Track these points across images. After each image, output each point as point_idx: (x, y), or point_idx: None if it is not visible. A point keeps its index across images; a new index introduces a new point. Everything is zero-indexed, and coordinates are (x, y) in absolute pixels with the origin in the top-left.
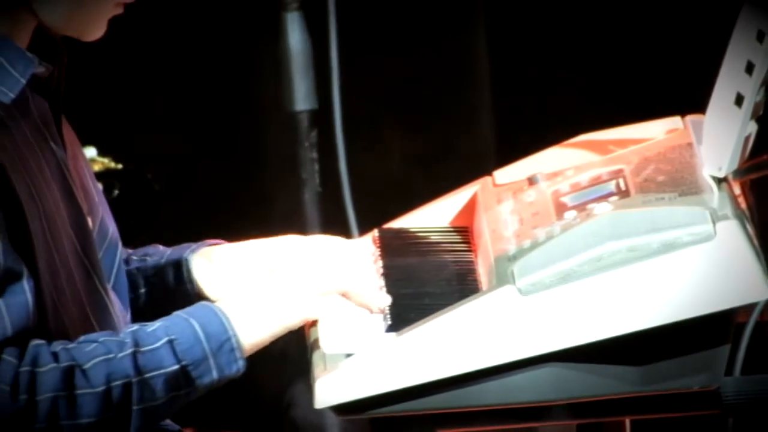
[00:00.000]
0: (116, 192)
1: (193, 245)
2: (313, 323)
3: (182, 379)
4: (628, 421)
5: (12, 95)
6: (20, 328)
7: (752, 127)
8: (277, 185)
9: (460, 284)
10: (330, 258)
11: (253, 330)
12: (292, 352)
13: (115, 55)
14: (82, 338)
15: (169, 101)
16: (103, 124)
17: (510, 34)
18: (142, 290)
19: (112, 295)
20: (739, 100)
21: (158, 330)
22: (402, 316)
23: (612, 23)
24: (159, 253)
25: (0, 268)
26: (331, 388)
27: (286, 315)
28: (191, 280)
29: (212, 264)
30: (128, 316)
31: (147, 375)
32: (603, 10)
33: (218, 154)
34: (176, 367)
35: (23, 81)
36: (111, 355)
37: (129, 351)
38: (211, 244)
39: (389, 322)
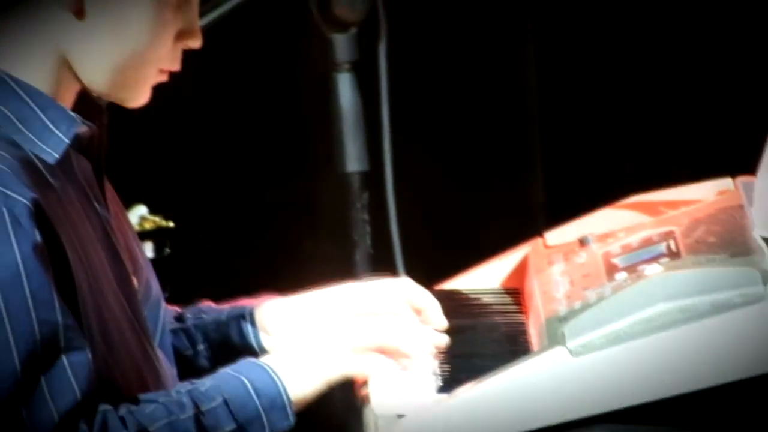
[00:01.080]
0: (167, 250)
1: (253, 300)
2: (364, 382)
3: None
4: None
5: (56, 155)
6: (87, 390)
7: None
8: (329, 247)
9: (512, 346)
10: (379, 308)
11: (301, 385)
12: (340, 411)
13: (169, 113)
14: (142, 398)
15: (221, 160)
16: (154, 182)
17: (561, 94)
18: (201, 346)
19: (159, 353)
20: None
21: (212, 389)
22: (453, 377)
23: (664, 83)
24: (216, 309)
25: (60, 328)
26: None
27: (328, 369)
28: (256, 335)
29: (276, 317)
30: (175, 372)
31: None
32: (655, 70)
33: (269, 215)
34: (233, 426)
35: (67, 141)
36: (173, 417)
37: (190, 413)
38: (270, 298)
39: (440, 383)
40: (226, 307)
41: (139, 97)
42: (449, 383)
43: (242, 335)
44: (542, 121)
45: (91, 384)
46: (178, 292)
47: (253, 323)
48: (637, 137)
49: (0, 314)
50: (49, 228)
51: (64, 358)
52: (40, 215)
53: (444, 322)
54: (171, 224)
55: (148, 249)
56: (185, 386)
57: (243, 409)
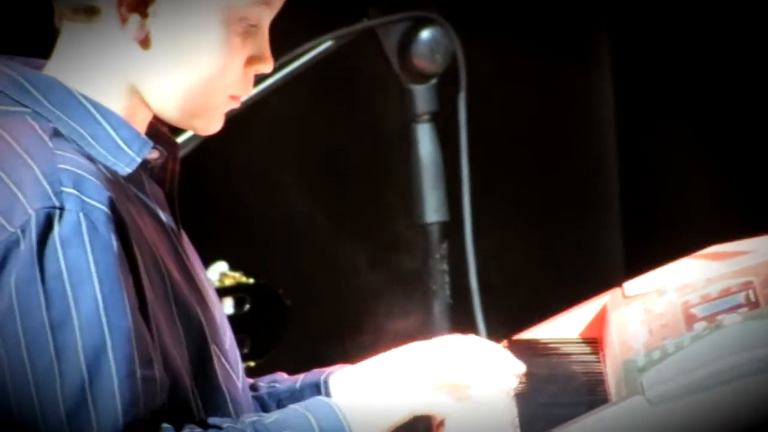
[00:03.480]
0: (247, 306)
1: (327, 369)
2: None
3: None
4: None
5: (129, 170)
6: (151, 405)
7: None
8: (409, 300)
9: (590, 395)
10: (458, 353)
11: (367, 424)
12: None
13: (249, 167)
14: (207, 421)
15: (301, 214)
16: (234, 238)
17: (641, 144)
18: (275, 416)
19: (241, 381)
20: None
21: (277, 423)
22: (532, 427)
23: (743, 129)
24: (290, 379)
25: (131, 335)
26: None
27: (396, 409)
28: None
29: (352, 385)
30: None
31: None
32: (734, 116)
33: (349, 268)
34: None
35: (138, 159)
36: None
37: None
38: (343, 367)
39: None
40: (300, 376)
41: (211, 125)
42: None
43: None
44: (621, 171)
45: (157, 398)
46: (258, 348)
47: (327, 391)
48: (716, 185)
49: (70, 317)
50: (125, 235)
51: (138, 371)
52: (117, 221)
53: (518, 366)
54: (251, 280)
55: (228, 305)
56: (251, 416)
57: None
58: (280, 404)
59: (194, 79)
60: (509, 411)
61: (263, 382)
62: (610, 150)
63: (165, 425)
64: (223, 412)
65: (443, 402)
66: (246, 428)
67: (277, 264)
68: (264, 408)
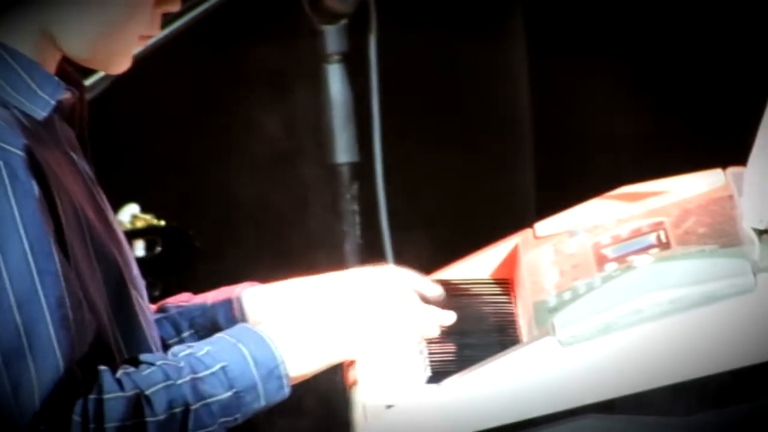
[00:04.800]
0: (158, 248)
1: (236, 287)
2: (353, 371)
3: (233, 406)
4: None
5: (44, 114)
6: (84, 347)
7: None
8: (319, 239)
9: (501, 336)
10: (389, 297)
11: (299, 360)
12: (333, 401)
13: (159, 111)
14: (140, 359)
15: (209, 156)
16: (145, 181)
17: (553, 85)
18: (186, 333)
19: (150, 316)
20: None
21: (209, 355)
22: (443, 368)
23: (654, 75)
24: (199, 297)
25: (60, 280)
26: None
27: (328, 350)
28: (245, 319)
29: (266, 301)
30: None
31: (203, 402)
32: (646, 61)
33: (258, 209)
34: (229, 393)
35: (53, 102)
36: (170, 382)
37: (187, 378)
38: (253, 284)
39: (430, 373)
40: (210, 294)
41: (121, 64)
42: (438, 374)
43: (231, 319)
44: (533, 112)
45: (89, 340)
46: (169, 289)
47: (241, 306)
48: (627, 128)
49: None
50: (43, 180)
51: (70, 313)
52: (35, 166)
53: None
54: (162, 222)
55: (140, 247)
56: (182, 349)
57: (240, 378)
58: (193, 322)
59: (106, 20)
60: (420, 352)
61: (171, 303)
62: (523, 91)
63: (102, 367)
64: (144, 351)
65: (364, 345)
66: (180, 362)
67: (188, 206)
68: (176, 328)
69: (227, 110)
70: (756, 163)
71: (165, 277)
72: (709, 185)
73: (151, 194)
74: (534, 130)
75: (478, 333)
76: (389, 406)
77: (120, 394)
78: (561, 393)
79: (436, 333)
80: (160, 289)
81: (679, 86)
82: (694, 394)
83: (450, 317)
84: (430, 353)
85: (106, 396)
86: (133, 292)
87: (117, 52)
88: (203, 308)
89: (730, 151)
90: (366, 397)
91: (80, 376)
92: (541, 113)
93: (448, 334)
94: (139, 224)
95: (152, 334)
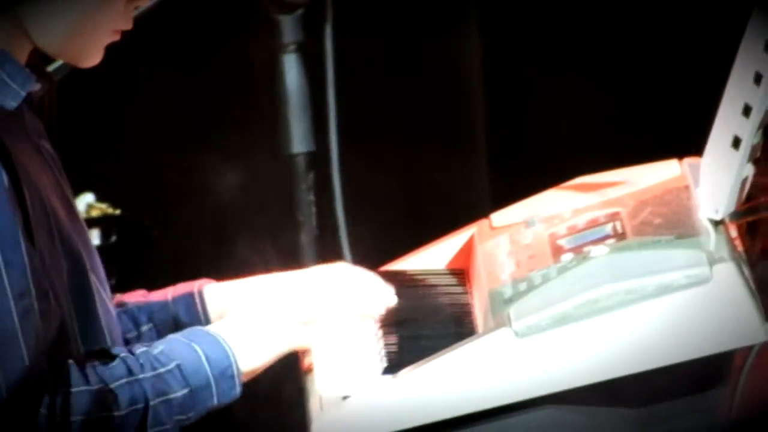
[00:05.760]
0: (114, 237)
1: (193, 283)
2: (308, 357)
3: (188, 404)
4: None
5: (15, 103)
6: (51, 340)
7: (749, 170)
8: (275, 229)
9: (457, 327)
10: (332, 285)
11: (250, 357)
12: (287, 394)
13: (115, 100)
14: (104, 354)
15: (166, 146)
16: (101, 170)
17: (507, 76)
18: (145, 327)
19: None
20: (736, 143)
21: (164, 354)
22: (398, 359)
23: (611, 65)
24: (157, 293)
25: (27, 271)
26: (328, 430)
27: (277, 342)
28: (206, 315)
29: (226, 298)
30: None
31: (160, 399)
32: (602, 52)
33: (215, 199)
34: (185, 391)
35: (23, 93)
36: (132, 377)
37: (148, 374)
38: (210, 282)
39: (386, 364)
40: (169, 289)
41: (92, 58)
42: (394, 365)
43: (192, 314)
44: (488, 103)
45: (54, 331)
46: (124, 280)
47: (202, 302)
48: (583, 119)
49: None
50: (11, 169)
51: (35, 305)
52: (2, 156)
53: (392, 295)
54: (118, 211)
55: (95, 236)
56: (140, 347)
57: (194, 376)
58: (152, 317)
59: (79, 13)
60: (376, 343)
61: (129, 297)
62: (477, 82)
63: (69, 361)
64: (101, 343)
65: (316, 336)
66: (140, 358)
67: (145, 196)
68: (135, 322)
69: (184, 100)
70: (712, 154)
71: (120, 266)
72: (664, 176)
73: (107, 184)
74: (489, 120)
75: (434, 324)
76: (345, 397)
77: (86, 387)
78: (517, 384)
79: (380, 311)
80: (116, 278)
81: (635, 77)
82: (650, 385)
83: (393, 299)
84: (387, 344)
85: (73, 389)
86: (95, 283)
87: (88, 45)
88: (163, 303)
89: (686, 142)
90: (321, 388)
91: (46, 368)
92: (496, 103)
93: (404, 324)
94: (95, 213)
95: (111, 326)
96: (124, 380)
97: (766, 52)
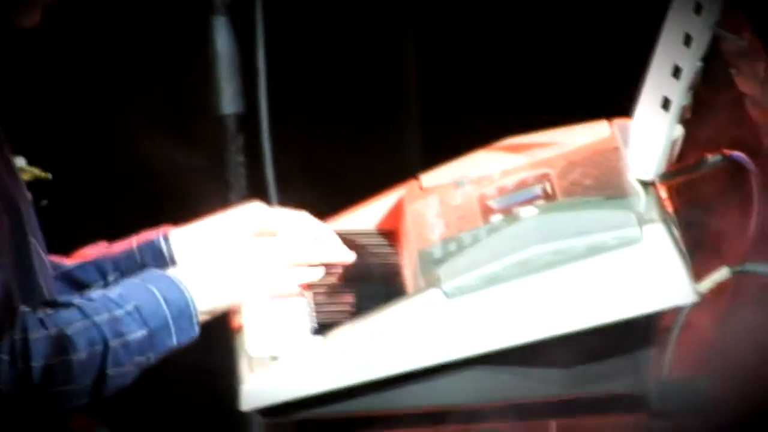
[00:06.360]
0: (45, 201)
1: (158, 228)
2: (238, 317)
3: (147, 344)
4: (554, 424)
5: None
6: (4, 293)
7: (679, 131)
8: (206, 191)
9: (387, 287)
10: (285, 234)
11: (207, 296)
12: (217, 354)
13: (46, 63)
14: (58, 301)
15: (96, 109)
16: (32, 134)
17: (437, 36)
18: (112, 277)
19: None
20: (666, 104)
21: (122, 296)
22: (328, 320)
23: (540, 26)
24: (121, 242)
25: None
26: (257, 390)
27: (233, 286)
28: (172, 259)
29: (191, 240)
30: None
31: (119, 340)
32: (531, 13)
33: (147, 161)
34: (144, 332)
35: None
36: (89, 321)
37: (104, 316)
38: (171, 227)
39: (315, 325)
40: (133, 238)
41: (29, 18)
42: (324, 325)
43: (159, 259)
44: (418, 63)
45: (4, 284)
46: (56, 243)
47: (168, 246)
48: (513, 79)
49: None
50: None
51: None
52: None
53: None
54: (49, 176)
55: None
56: (97, 292)
57: (153, 317)
58: (118, 266)
59: None
60: (306, 304)
61: (91, 249)
62: (408, 40)
63: (23, 308)
64: (36, 299)
65: (277, 282)
66: (95, 303)
67: (74, 159)
68: (101, 272)
69: (116, 62)
70: (641, 115)
71: (52, 230)
72: (594, 137)
73: (37, 148)
74: (419, 78)
75: (364, 284)
76: (274, 358)
77: (44, 333)
78: (446, 344)
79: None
80: (47, 242)
81: (565, 38)
82: (580, 346)
83: (349, 255)
84: (316, 304)
85: (31, 336)
86: (33, 242)
87: (28, 7)
88: (129, 252)
89: (615, 103)
90: (251, 348)
91: (2, 317)
92: (427, 65)
93: (334, 285)
94: (26, 177)
95: (49, 285)
96: (80, 324)
97: (696, 13)
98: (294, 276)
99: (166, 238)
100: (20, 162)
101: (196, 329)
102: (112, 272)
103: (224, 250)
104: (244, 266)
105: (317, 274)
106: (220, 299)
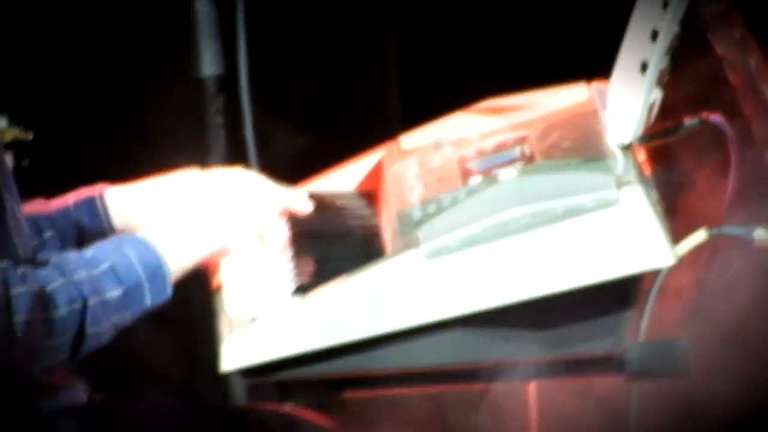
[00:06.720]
0: (27, 161)
1: (92, 188)
2: (217, 276)
3: (122, 303)
4: (533, 386)
5: None
6: None
7: (657, 94)
8: (185, 154)
9: (366, 248)
10: (249, 195)
11: (178, 256)
12: (197, 317)
13: (26, 24)
14: (36, 260)
15: (79, 68)
16: (13, 93)
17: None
18: (48, 234)
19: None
20: (644, 68)
21: (95, 257)
22: (307, 281)
23: None
24: (57, 200)
25: None
26: (237, 351)
27: (201, 244)
28: (108, 217)
29: (128, 200)
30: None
31: (97, 298)
32: None
33: (125, 122)
34: (119, 291)
35: None
36: (66, 279)
37: (83, 274)
38: (109, 186)
39: (294, 286)
40: (69, 196)
41: None
42: (303, 286)
43: (94, 217)
44: (398, 24)
45: None
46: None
47: (104, 205)
48: (492, 41)
49: None
50: None
51: None
52: None
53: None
54: (31, 136)
55: (8, 160)
56: (71, 253)
57: (127, 276)
58: (54, 223)
59: None
60: (286, 264)
61: (28, 208)
62: (390, 5)
63: (3, 264)
64: (11, 257)
65: (242, 238)
66: (70, 262)
67: (59, 120)
68: (37, 229)
69: (95, 20)
70: (619, 78)
71: (34, 190)
72: (573, 100)
73: (19, 107)
74: (399, 40)
75: (343, 245)
76: (253, 319)
77: (25, 288)
78: (425, 306)
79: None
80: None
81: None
82: (557, 307)
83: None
84: (296, 265)
85: (13, 291)
86: (9, 200)
87: None
88: (64, 210)
89: (594, 66)
90: (230, 309)
91: None
92: (407, 26)
93: (313, 246)
94: (7, 137)
95: (25, 245)
96: (59, 281)
97: None
98: (254, 225)
99: (101, 197)
100: (2, 123)
101: (169, 291)
102: (48, 229)
103: (187, 211)
104: (209, 223)
105: (276, 225)
106: (188, 257)
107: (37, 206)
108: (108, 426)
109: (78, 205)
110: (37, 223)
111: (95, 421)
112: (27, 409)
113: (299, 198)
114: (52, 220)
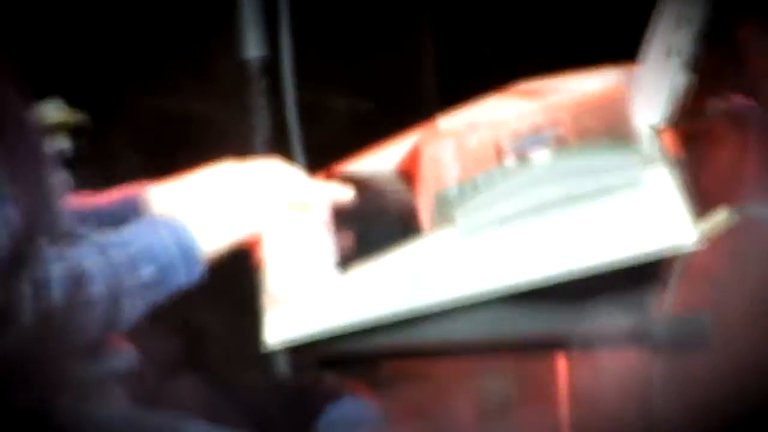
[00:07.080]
0: (79, 144)
1: (137, 185)
2: (260, 252)
3: (156, 282)
4: (562, 356)
5: None
6: (26, 225)
7: (686, 78)
8: (228, 135)
9: (404, 227)
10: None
11: (211, 239)
12: (245, 293)
13: (71, 8)
14: (73, 234)
15: (125, 52)
16: (68, 76)
17: None
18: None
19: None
20: (672, 52)
21: (131, 236)
22: (347, 257)
23: None
24: (101, 197)
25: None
26: (280, 325)
27: (235, 226)
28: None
29: (171, 198)
30: None
31: (133, 277)
32: None
33: (171, 105)
34: (153, 269)
35: None
36: (105, 255)
37: (119, 253)
38: (151, 185)
39: (336, 262)
40: (113, 193)
41: None
42: (343, 263)
43: (137, 215)
44: (435, 9)
45: (31, 217)
46: (87, 185)
47: (146, 205)
48: (529, 25)
49: None
50: None
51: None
52: None
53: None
54: (82, 118)
55: (62, 143)
56: (107, 232)
57: (162, 254)
58: (101, 221)
59: None
60: (326, 243)
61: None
62: None
63: (42, 242)
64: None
65: (279, 220)
66: (107, 239)
67: (109, 103)
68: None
69: (143, 11)
70: (649, 62)
71: (84, 172)
72: (604, 83)
73: (71, 90)
74: (436, 23)
75: (382, 224)
76: (296, 294)
77: (64, 265)
78: (462, 281)
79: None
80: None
81: None
82: (586, 282)
83: (346, 193)
84: (337, 243)
85: (51, 266)
86: (54, 182)
87: None
88: (110, 208)
89: (626, 50)
90: (273, 285)
91: (25, 249)
92: (445, 9)
93: (353, 224)
94: (62, 119)
95: (68, 225)
96: (95, 258)
97: None
98: (288, 211)
99: (142, 197)
100: (55, 106)
101: (202, 269)
102: (90, 224)
103: (220, 197)
104: (243, 206)
105: (316, 210)
106: (221, 238)
107: (82, 200)
108: (157, 394)
109: (126, 204)
110: (80, 218)
111: (144, 387)
112: (76, 372)
113: (335, 190)
114: (99, 218)
